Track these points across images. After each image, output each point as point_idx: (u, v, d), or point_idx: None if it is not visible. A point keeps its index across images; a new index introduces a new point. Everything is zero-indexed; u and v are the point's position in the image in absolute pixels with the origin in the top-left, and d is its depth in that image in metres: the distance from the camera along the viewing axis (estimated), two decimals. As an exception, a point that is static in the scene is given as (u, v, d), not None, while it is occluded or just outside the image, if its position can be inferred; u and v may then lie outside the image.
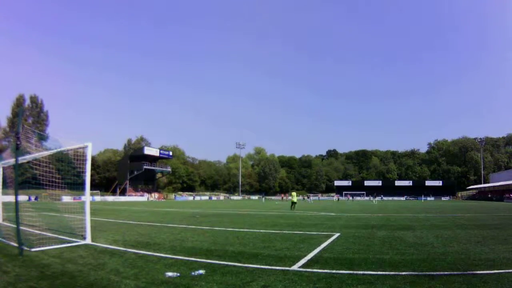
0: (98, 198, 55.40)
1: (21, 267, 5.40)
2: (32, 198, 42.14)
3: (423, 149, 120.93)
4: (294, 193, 25.87)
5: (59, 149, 8.98)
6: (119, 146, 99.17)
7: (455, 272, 5.10)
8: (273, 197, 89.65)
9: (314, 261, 5.95)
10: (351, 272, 5.14)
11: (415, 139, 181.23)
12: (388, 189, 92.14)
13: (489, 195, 68.06)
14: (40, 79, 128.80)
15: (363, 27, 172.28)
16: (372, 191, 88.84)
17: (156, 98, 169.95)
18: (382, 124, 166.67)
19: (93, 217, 12.50)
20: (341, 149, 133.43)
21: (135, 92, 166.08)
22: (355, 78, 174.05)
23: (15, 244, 6.73)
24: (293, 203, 24.49)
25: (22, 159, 8.57)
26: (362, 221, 14.44)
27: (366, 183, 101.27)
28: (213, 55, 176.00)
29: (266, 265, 5.65)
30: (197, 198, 77.50)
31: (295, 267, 5.48)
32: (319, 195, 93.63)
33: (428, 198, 79.70)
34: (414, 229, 11.18)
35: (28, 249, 6.70)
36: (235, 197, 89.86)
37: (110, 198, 59.29)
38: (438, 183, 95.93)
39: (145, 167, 74.18)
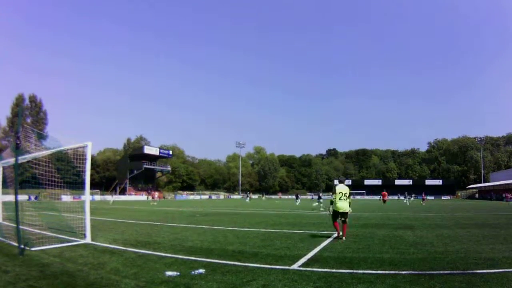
0: (98, 197, 55.35)
1: (21, 267, 5.39)
2: (32, 198, 42.12)
3: (423, 148, 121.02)
4: None
5: (59, 149, 8.96)
6: (119, 145, 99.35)
7: (455, 272, 5.10)
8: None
9: (314, 260, 5.95)
10: (351, 271, 5.14)
11: (415, 138, 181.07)
12: (388, 188, 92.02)
13: (490, 195, 67.97)
14: (39, 78, 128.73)
15: (364, 30, 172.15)
16: (372, 191, 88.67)
17: (156, 97, 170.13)
18: (382, 123, 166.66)
19: (93, 216, 12.49)
20: (341, 148, 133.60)
21: (135, 91, 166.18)
22: (355, 78, 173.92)
23: (15, 244, 6.73)
24: None
25: (22, 159, 8.56)
26: (362, 220, 14.44)
27: (366, 182, 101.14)
28: (213, 55, 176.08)
29: (266, 264, 5.65)
30: (197, 197, 77.46)
31: (295, 266, 5.48)
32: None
33: (429, 197, 79.10)
34: (414, 229, 11.18)
35: (28, 248, 6.69)
36: (235, 196, 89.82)
37: (110, 198, 59.21)
38: (438, 182, 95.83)
39: (145, 166, 74.16)
